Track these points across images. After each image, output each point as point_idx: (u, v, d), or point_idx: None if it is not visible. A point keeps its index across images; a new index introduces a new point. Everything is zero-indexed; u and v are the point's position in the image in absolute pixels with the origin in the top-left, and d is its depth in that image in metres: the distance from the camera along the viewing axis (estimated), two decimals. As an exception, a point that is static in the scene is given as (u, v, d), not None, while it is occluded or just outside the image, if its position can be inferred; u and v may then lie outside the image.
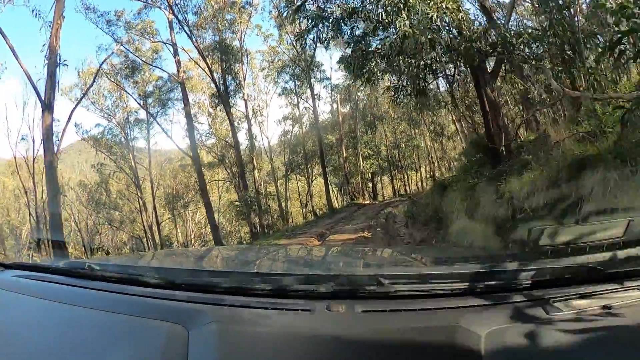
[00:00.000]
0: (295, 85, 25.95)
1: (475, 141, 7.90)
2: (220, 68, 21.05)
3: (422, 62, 6.29)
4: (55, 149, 12.51)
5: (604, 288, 0.95)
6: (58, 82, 11.86)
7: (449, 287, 0.98)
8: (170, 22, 18.78)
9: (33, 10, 13.92)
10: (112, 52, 19.49)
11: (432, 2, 5.37)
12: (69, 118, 16.59)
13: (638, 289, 0.95)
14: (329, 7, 6.71)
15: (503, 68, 7.30)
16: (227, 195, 27.79)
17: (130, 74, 21.88)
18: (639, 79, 5.52)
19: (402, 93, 7.79)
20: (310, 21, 6.54)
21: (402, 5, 5.35)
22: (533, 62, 5.71)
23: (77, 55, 68.48)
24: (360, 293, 0.99)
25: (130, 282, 1.14)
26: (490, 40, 5.64)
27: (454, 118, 15.56)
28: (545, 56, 5.60)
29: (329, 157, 27.18)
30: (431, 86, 10.00)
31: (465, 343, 0.79)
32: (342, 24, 6.55)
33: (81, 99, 19.47)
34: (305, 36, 7.05)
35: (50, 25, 12.28)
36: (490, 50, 5.92)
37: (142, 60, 21.63)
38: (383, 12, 5.55)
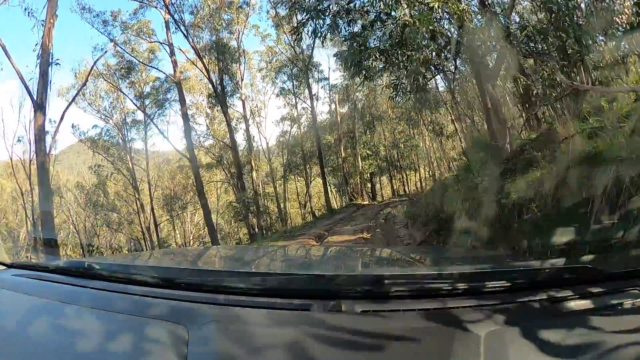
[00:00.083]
0: (293, 85, 25.85)
1: (477, 139, 7.73)
2: (217, 68, 20.88)
3: (422, 56, 6.10)
4: (48, 149, 12.36)
5: (604, 288, 0.95)
6: (50, 82, 11.67)
7: (449, 287, 0.97)
8: (166, 22, 18.70)
9: (25, 9, 13.74)
10: (105, 51, 19.36)
11: None
12: (61, 118, 16.48)
13: (638, 289, 0.94)
14: (327, 2, 6.52)
15: (504, 64, 7.11)
16: (226, 196, 27.75)
17: (126, 74, 21.74)
18: None
19: (401, 90, 7.58)
20: (306, 14, 6.33)
21: None
22: (538, 56, 5.52)
23: (74, 56, 68.42)
24: (360, 293, 0.97)
25: (129, 281, 1.13)
26: (492, 34, 5.46)
27: (453, 117, 15.42)
28: (550, 50, 5.41)
29: (328, 158, 27.08)
30: (430, 85, 9.84)
31: (464, 343, 0.78)
32: (339, 19, 6.35)
33: (74, 98, 19.31)
34: (301, 30, 6.83)
35: (42, 24, 12.11)
36: (493, 44, 5.74)
37: (139, 61, 21.56)
38: (382, 3, 5.36)
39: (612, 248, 2.65)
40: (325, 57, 45.52)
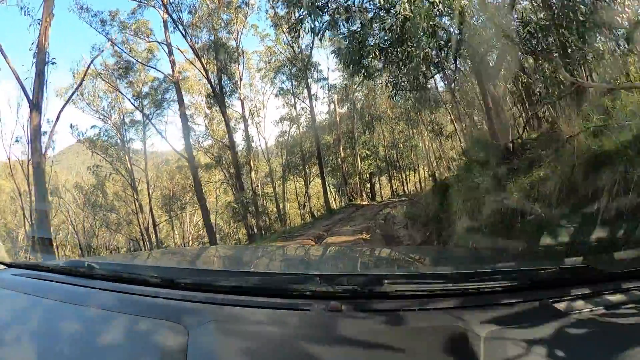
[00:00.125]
0: (292, 85, 25.79)
1: (478, 139, 7.64)
2: (215, 68, 20.81)
3: (423, 53, 6.00)
4: (44, 149, 12.26)
5: (604, 288, 0.95)
6: (47, 81, 11.63)
7: (449, 287, 0.98)
8: (165, 22, 18.72)
9: (22, 8, 13.61)
10: (102, 50, 19.25)
11: None
12: (58, 117, 16.25)
13: (638, 289, 0.94)
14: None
15: (505, 62, 7.03)
16: (225, 196, 27.71)
17: (124, 74, 21.66)
18: None
19: (400, 89, 7.48)
20: (304, 10, 6.22)
21: None
22: (540, 53, 5.43)
23: (73, 56, 68.49)
24: (360, 293, 0.97)
25: (129, 281, 1.13)
26: (493, 30, 5.37)
27: (452, 117, 15.36)
28: (551, 47, 5.33)
29: (327, 158, 27.05)
30: (430, 84, 9.75)
31: (464, 343, 0.78)
32: (337, 15, 6.24)
33: (70, 97, 19.24)
34: (299, 27, 6.71)
35: (39, 23, 12.00)
36: (494, 40, 5.64)
37: (137, 61, 21.49)
38: (381, -1, 5.28)
39: (612, 248, 2.59)
40: (324, 57, 45.48)
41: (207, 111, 24.88)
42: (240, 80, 23.23)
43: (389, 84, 8.06)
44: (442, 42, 5.97)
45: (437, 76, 9.56)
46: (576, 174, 3.25)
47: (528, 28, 5.09)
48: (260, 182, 26.51)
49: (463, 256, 2.21)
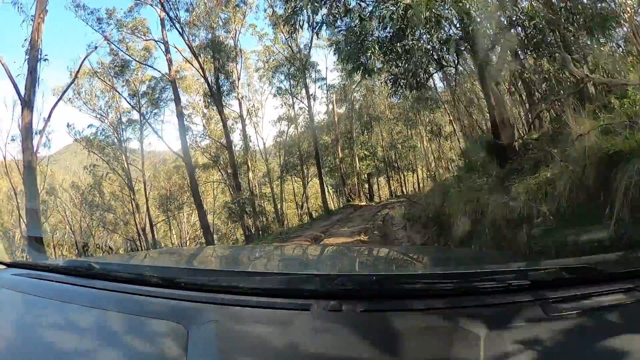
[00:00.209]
0: (290, 85, 25.59)
1: (480, 138, 7.46)
2: (213, 67, 20.62)
3: (424, 47, 5.81)
4: (36, 147, 12.06)
5: (604, 288, 0.94)
6: (39, 79, 11.39)
7: (449, 287, 0.98)
8: (162, 20, 18.52)
9: (15, 4, 13.38)
10: (96, 47, 18.94)
11: None
12: (49, 115, 15.88)
13: (638, 289, 0.93)
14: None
15: (509, 59, 6.87)
16: (222, 196, 27.54)
17: (120, 72, 21.43)
18: None
19: (400, 87, 7.28)
20: (299, 1, 6.03)
21: None
22: (546, 47, 5.27)
23: (70, 55, 68.35)
24: (360, 293, 0.97)
25: (129, 280, 1.13)
26: (498, 23, 5.20)
27: (451, 118, 15.26)
28: (560, 42, 5.17)
29: (325, 158, 26.91)
30: (429, 84, 9.56)
31: (464, 343, 0.78)
32: (334, 9, 6.05)
33: (63, 93, 18.87)
34: (295, 19, 6.51)
35: (32, 20, 11.79)
36: (498, 33, 5.46)
37: (133, 59, 21.24)
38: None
39: (613, 248, 2.46)
40: (323, 57, 45.48)
41: (205, 111, 24.72)
42: (238, 79, 23.05)
43: (388, 81, 7.85)
44: (445, 36, 5.79)
45: (436, 76, 9.43)
46: (587, 173, 3.07)
47: (533, 22, 4.93)
48: (258, 182, 26.37)
49: (462, 256, 2.19)
